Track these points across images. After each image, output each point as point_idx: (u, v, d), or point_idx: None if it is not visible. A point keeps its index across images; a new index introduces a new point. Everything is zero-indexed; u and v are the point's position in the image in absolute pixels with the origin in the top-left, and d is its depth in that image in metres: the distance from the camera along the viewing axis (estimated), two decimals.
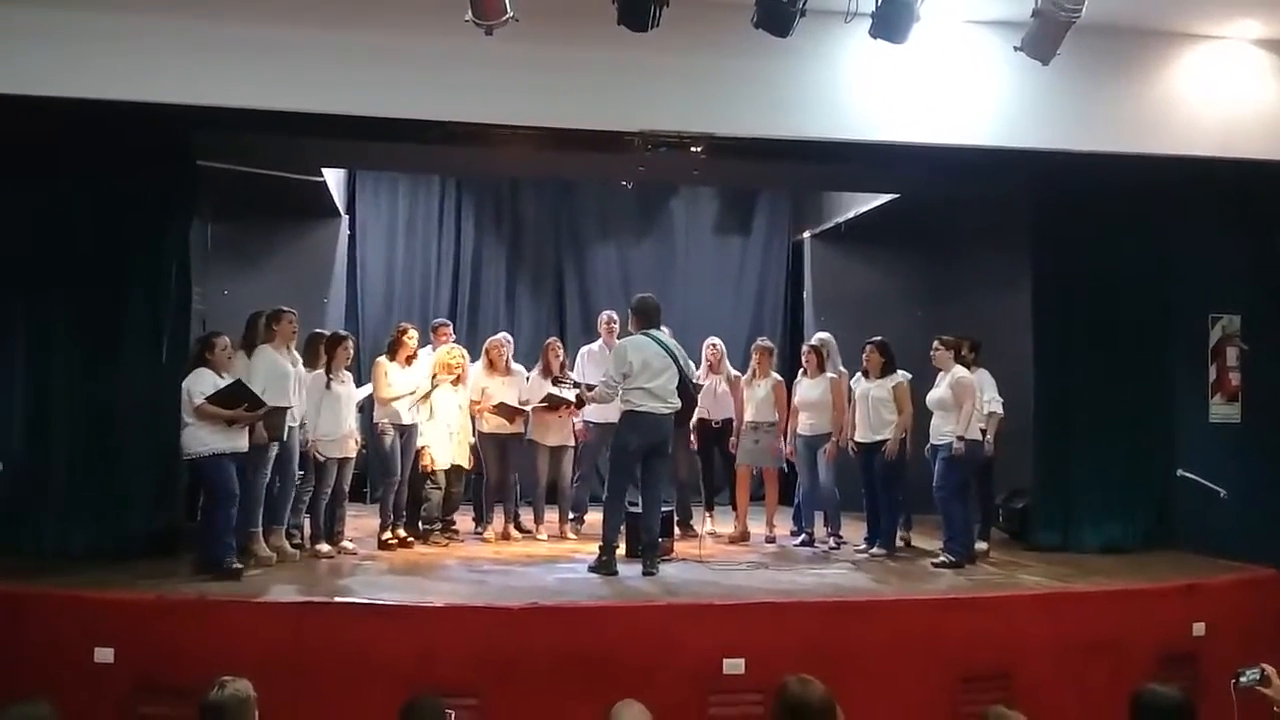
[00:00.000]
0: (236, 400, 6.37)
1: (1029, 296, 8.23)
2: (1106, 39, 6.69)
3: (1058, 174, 7.64)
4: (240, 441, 6.46)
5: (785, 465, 8.58)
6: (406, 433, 7.66)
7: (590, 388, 7.54)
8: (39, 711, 3.08)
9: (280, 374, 6.78)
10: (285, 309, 7.10)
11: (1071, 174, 7.58)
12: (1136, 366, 8.03)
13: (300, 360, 7.14)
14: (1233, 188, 7.61)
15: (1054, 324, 8.12)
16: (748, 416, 8.38)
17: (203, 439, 6.32)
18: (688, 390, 7.01)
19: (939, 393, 7.36)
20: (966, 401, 7.20)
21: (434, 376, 7.82)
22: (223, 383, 6.42)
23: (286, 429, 6.84)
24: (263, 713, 3.51)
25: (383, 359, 7.71)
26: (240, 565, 6.29)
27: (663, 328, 8.39)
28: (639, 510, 7.09)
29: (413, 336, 7.81)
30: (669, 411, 6.83)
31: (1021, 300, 8.32)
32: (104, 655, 5.35)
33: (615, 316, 8.71)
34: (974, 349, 7.97)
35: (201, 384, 6.39)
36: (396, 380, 7.59)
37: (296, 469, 7.02)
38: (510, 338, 8.76)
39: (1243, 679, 4.13)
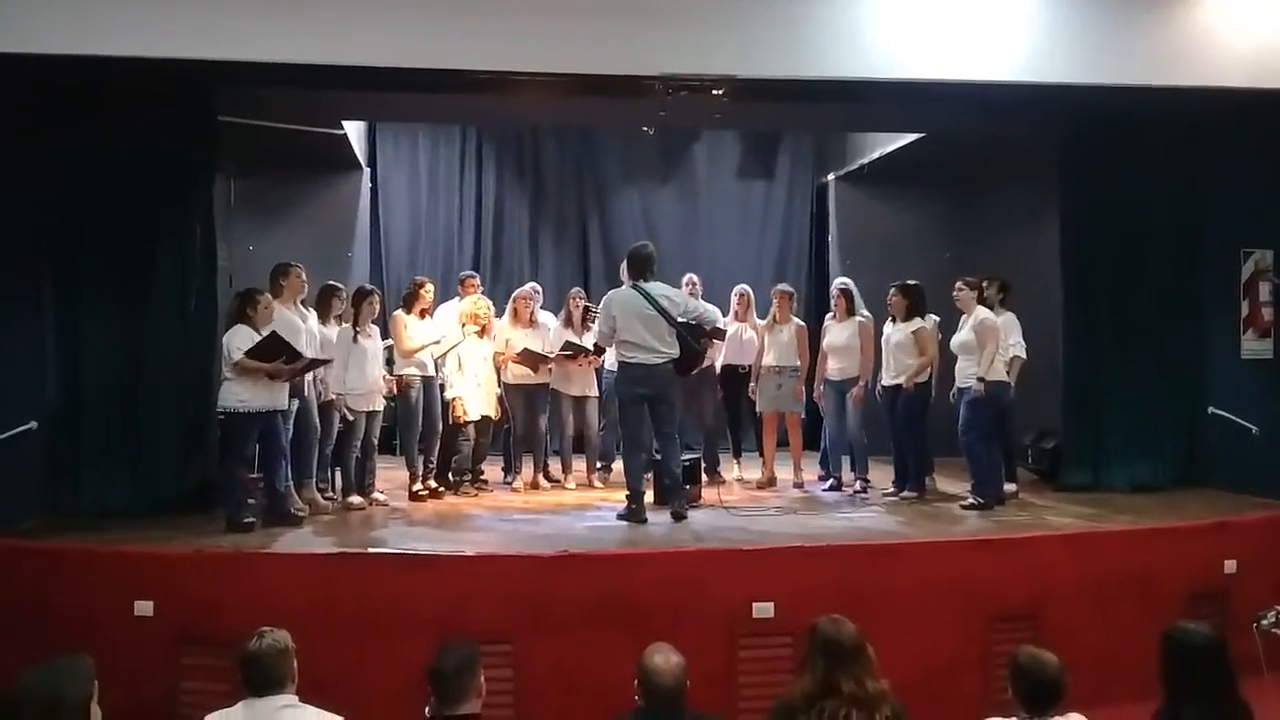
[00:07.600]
0: (274, 353, 6.38)
1: (1058, 234, 8.14)
2: None
3: (1086, 109, 7.50)
4: (280, 399, 6.49)
5: (805, 411, 8.58)
6: (430, 385, 7.69)
7: None
8: (80, 664, 3.13)
9: (292, 329, 6.74)
10: (292, 263, 7.08)
11: (1100, 108, 7.45)
12: (1167, 303, 7.95)
13: (313, 315, 7.14)
14: (1265, 120, 7.43)
15: (1083, 261, 8.02)
16: (769, 361, 8.37)
17: (240, 394, 6.33)
18: (688, 339, 6.95)
19: (962, 335, 7.29)
20: (990, 343, 7.14)
21: (462, 327, 7.84)
22: (259, 338, 6.43)
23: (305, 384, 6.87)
24: (301, 662, 3.57)
25: (399, 312, 7.73)
26: (253, 520, 6.36)
27: (691, 277, 8.39)
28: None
29: (429, 290, 7.81)
30: (660, 360, 6.80)
31: (1050, 238, 8.23)
32: (144, 608, 5.43)
33: None
34: (1003, 289, 7.89)
35: (240, 340, 6.38)
36: (416, 332, 7.60)
37: (316, 423, 7.05)
38: (539, 288, 8.75)
39: (1263, 622, 4.11)
